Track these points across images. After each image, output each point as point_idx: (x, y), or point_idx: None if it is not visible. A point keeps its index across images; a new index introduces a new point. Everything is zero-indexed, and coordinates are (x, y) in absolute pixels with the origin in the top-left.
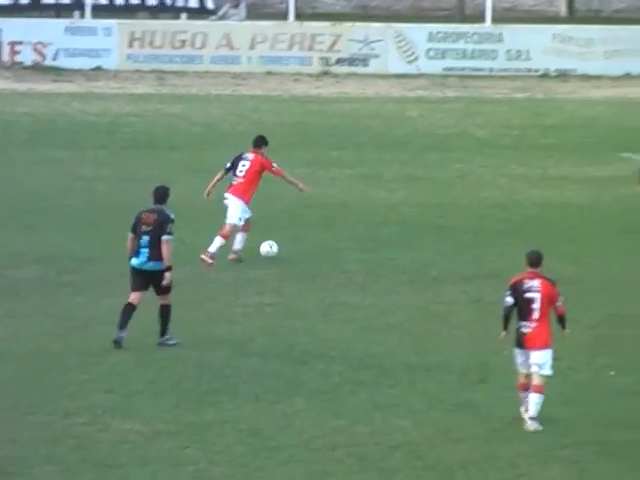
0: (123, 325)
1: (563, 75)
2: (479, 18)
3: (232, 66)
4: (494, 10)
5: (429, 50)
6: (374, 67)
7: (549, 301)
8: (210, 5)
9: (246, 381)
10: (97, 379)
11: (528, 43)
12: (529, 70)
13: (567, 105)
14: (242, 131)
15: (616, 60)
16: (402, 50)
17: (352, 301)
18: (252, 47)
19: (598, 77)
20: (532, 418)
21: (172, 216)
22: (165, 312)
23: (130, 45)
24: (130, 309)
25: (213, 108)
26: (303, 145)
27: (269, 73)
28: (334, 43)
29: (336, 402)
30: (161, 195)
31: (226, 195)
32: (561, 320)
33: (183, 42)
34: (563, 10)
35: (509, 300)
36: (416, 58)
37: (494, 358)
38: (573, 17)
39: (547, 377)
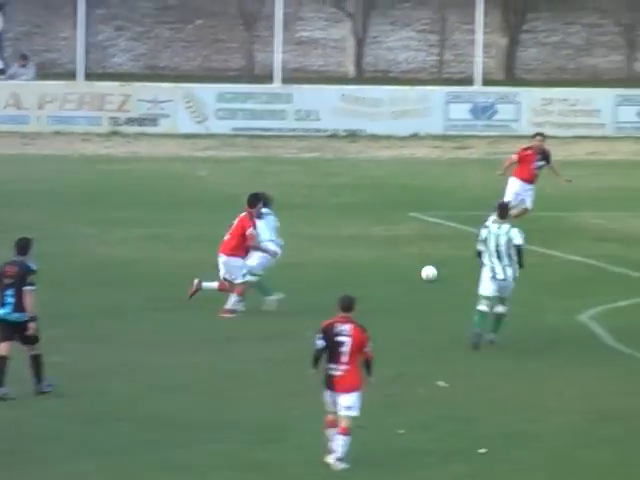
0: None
1: (352, 135)
2: (268, 78)
3: (21, 126)
4: (283, 70)
5: (218, 110)
6: (164, 127)
7: (359, 346)
8: None
9: (35, 442)
10: None
11: (317, 103)
12: (318, 130)
13: (356, 165)
14: (30, 190)
15: (404, 120)
16: (191, 110)
17: (143, 360)
18: (41, 107)
19: (387, 137)
20: (339, 459)
21: (33, 267)
22: (36, 362)
23: None
24: (1, 360)
25: (1, 168)
26: (93, 204)
27: (58, 133)
28: (123, 103)
29: (125, 463)
30: (22, 247)
31: (219, 254)
32: (368, 365)
33: None
34: (351, 70)
35: (320, 343)
36: (205, 118)
37: (287, 417)
38: (361, 77)
39: (353, 418)
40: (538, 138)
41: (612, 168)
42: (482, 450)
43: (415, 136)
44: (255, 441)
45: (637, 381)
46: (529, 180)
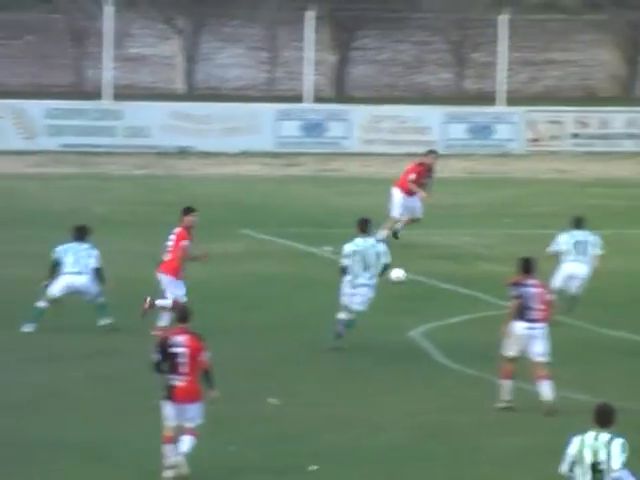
0: None
1: (182, 152)
2: (98, 95)
3: None
4: (113, 87)
5: (47, 126)
6: None
7: (195, 356)
8: None
9: None
10: None
11: (147, 120)
12: (149, 147)
13: (187, 182)
14: None
15: (233, 137)
16: (20, 126)
17: None
18: None
19: (217, 154)
20: (184, 454)
21: None
22: None
23: None
24: None
25: None
26: None
27: None
28: None
29: None
30: None
31: (158, 273)
32: (207, 376)
33: None
34: (181, 87)
35: (156, 357)
36: (34, 134)
37: (114, 435)
38: (192, 94)
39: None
40: (432, 155)
41: (441, 185)
42: (313, 467)
43: (245, 153)
44: (81, 459)
45: (464, 396)
46: (413, 193)
